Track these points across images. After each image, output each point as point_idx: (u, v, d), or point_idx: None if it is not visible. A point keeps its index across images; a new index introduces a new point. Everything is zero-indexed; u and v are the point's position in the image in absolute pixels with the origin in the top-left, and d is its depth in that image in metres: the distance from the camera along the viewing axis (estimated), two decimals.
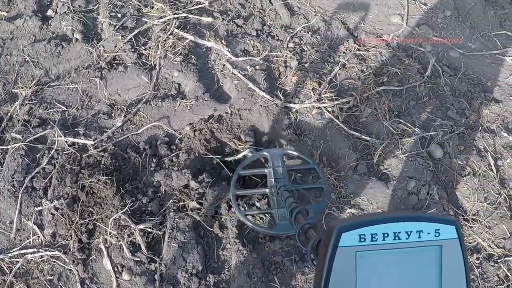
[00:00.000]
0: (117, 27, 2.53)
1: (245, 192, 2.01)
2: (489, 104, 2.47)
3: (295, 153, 2.10)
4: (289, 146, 2.17)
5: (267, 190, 1.95)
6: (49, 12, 2.65)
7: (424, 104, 2.40)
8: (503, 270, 1.96)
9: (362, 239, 0.79)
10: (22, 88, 2.32)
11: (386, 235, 0.80)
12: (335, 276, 0.79)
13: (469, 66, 2.64)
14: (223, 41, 2.50)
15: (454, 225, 0.83)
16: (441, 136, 2.27)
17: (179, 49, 2.44)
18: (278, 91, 2.34)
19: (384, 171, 2.18)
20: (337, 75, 2.46)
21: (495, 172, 2.21)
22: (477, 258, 1.99)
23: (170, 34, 2.48)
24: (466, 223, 2.07)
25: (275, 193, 1.90)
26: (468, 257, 1.97)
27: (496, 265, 1.99)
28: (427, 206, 2.07)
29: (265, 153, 2.06)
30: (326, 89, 2.37)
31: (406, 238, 0.80)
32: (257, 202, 2.03)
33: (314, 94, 2.34)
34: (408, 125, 2.29)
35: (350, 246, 0.79)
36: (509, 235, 2.04)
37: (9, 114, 2.25)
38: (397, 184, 2.13)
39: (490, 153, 2.27)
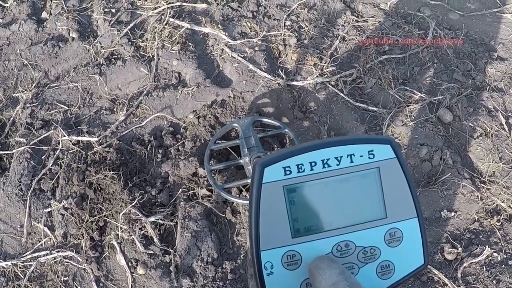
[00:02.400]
0: (112, 22, 2.36)
1: (219, 166, 1.85)
2: (495, 63, 2.30)
3: (265, 119, 1.96)
4: (257, 114, 2.03)
5: (241, 161, 1.82)
6: (44, 15, 2.49)
7: (428, 69, 2.23)
8: None
9: (288, 172, 0.66)
10: (22, 91, 2.18)
11: (313, 164, 0.67)
12: (265, 215, 0.66)
13: (470, 27, 2.47)
14: (219, 25, 2.33)
15: (389, 143, 0.70)
16: (449, 100, 2.10)
17: (176, 38, 2.27)
18: (280, 70, 2.17)
19: (395, 140, 2.01)
20: (338, 48, 2.29)
21: (508, 131, 2.05)
22: (498, 220, 1.84)
23: (165, 24, 2.32)
24: (483, 185, 1.91)
25: (249, 162, 1.77)
26: (489, 219, 1.82)
27: None
28: (442, 172, 1.91)
29: (235, 124, 1.92)
30: (328, 64, 2.20)
31: (337, 165, 0.68)
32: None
33: (316, 70, 2.17)
34: (414, 91, 2.11)
35: (276, 181, 0.66)
36: None
37: (11, 118, 2.10)
38: (409, 152, 1.97)
39: (501, 112, 2.10)
